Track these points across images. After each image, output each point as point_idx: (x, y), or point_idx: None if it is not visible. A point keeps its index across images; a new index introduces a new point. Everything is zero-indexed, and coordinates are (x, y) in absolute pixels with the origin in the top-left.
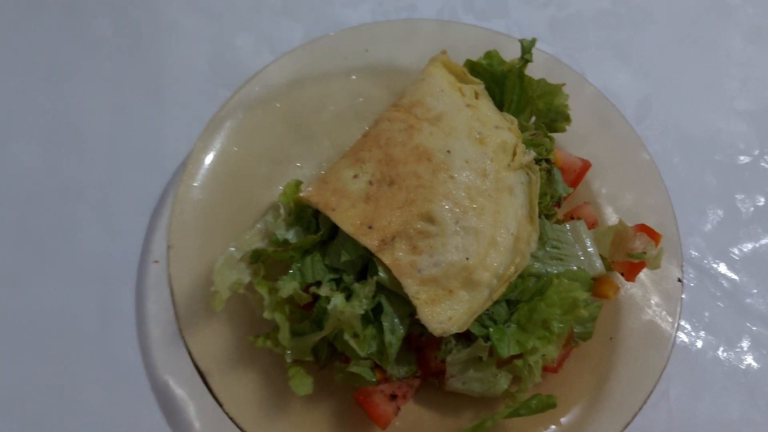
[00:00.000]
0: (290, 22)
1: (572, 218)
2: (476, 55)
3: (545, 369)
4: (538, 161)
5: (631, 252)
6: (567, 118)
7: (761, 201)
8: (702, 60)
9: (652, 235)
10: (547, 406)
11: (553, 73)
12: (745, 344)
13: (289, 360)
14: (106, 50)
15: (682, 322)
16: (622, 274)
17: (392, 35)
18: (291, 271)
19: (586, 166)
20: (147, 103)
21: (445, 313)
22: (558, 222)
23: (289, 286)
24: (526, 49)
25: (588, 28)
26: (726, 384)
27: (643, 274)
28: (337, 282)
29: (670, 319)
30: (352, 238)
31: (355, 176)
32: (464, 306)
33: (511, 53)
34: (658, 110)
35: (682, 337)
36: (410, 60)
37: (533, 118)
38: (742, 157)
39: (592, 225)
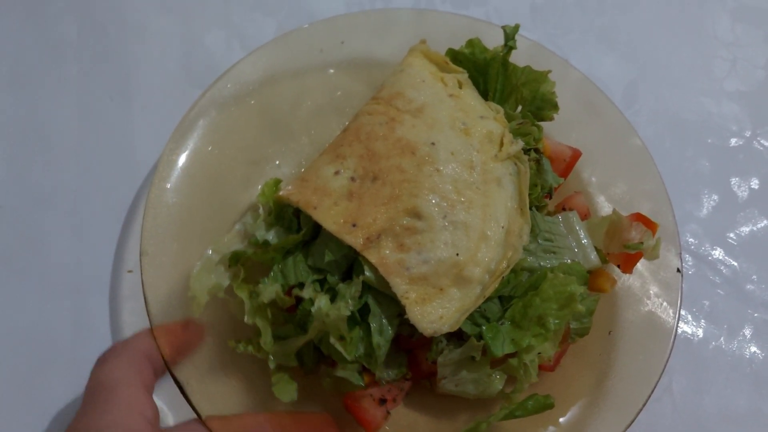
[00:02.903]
0: (262, 17)
1: (564, 209)
2: (457, 44)
3: (541, 368)
4: (526, 151)
5: (627, 243)
6: (555, 106)
7: (756, 183)
8: (689, 42)
9: (649, 224)
10: (544, 406)
11: (537, 59)
12: (748, 332)
13: (272, 365)
14: (72, 53)
15: (682, 312)
16: (619, 266)
17: (369, 26)
18: (272, 274)
19: (576, 154)
20: (116, 106)
21: (435, 312)
22: (549, 214)
23: (270, 290)
24: (510, 35)
25: (570, 12)
26: (731, 375)
27: (641, 264)
28: (321, 283)
29: (670, 311)
30: (336, 237)
31: (337, 173)
32: (456, 304)
33: (492, 41)
34: (646, 95)
35: (683, 327)
36: (389, 51)
37: (519, 107)
38: (734, 140)
39: (584, 216)
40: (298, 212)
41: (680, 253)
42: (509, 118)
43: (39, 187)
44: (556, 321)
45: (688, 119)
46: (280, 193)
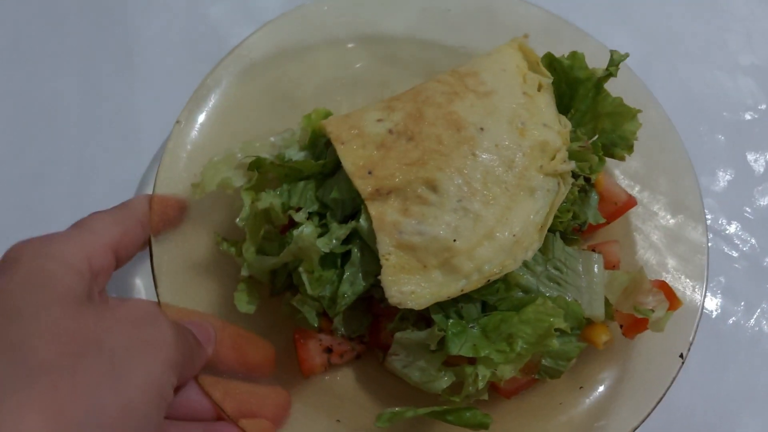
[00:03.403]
0: None
1: (593, 251)
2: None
3: (498, 391)
4: (576, 176)
5: (638, 306)
6: (630, 147)
7: None
8: (702, 16)
9: (671, 296)
10: (479, 424)
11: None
12: (766, 307)
13: (244, 273)
14: (72, 27)
15: (699, 288)
16: (621, 327)
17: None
18: (279, 190)
19: (631, 202)
20: (119, 81)
21: (408, 286)
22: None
23: (267, 199)
24: (615, 61)
25: None
26: (751, 352)
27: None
28: (321, 217)
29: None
30: (349, 179)
31: (380, 120)
32: (433, 287)
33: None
34: (660, 70)
35: None
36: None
37: (596, 136)
38: (750, 114)
39: (612, 266)
40: (329, 145)
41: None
42: (575, 139)
43: (40, 162)
44: (525, 346)
45: (702, 94)
46: (322, 121)
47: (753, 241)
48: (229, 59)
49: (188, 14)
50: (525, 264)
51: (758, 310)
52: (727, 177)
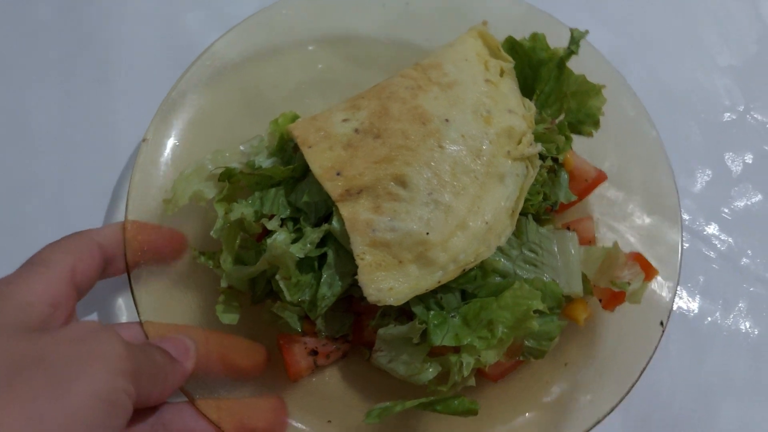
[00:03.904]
0: None
1: (568, 229)
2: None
3: (485, 376)
4: (543, 158)
5: (614, 279)
6: (596, 123)
7: (750, 158)
8: (681, 17)
9: (646, 267)
10: (467, 411)
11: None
12: (743, 306)
13: (223, 284)
14: (49, 38)
15: (677, 288)
16: (600, 301)
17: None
18: (251, 199)
19: (600, 177)
20: (97, 90)
21: (386, 282)
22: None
23: (239, 209)
24: (576, 39)
25: None
26: (727, 350)
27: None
28: (295, 222)
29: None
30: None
31: (345, 120)
32: (410, 282)
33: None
34: (637, 69)
35: (678, 303)
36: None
37: (562, 115)
38: (727, 114)
39: (587, 242)
40: (297, 149)
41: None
42: (540, 121)
43: (20, 174)
44: (505, 331)
45: (680, 94)
46: (288, 125)
47: (731, 240)
48: (193, 70)
49: (165, 23)
50: (500, 249)
51: (735, 310)
52: (705, 178)
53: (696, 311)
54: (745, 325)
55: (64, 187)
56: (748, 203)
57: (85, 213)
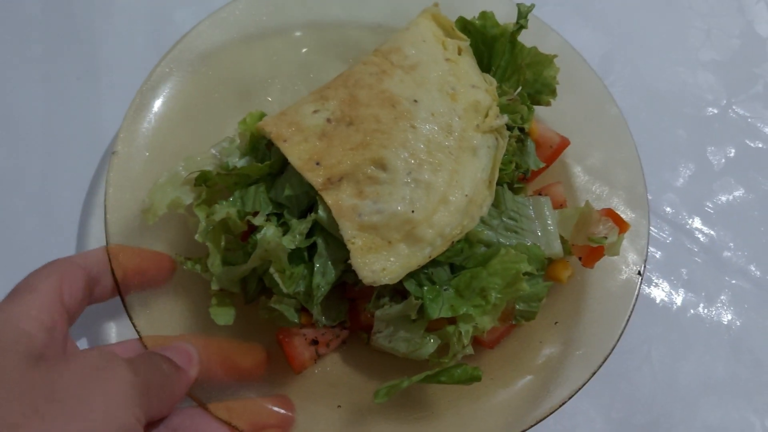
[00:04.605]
0: None
1: (540, 195)
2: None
3: (481, 343)
4: (510, 128)
5: (591, 236)
6: (553, 92)
7: (732, 152)
8: (664, 12)
9: (619, 222)
10: (471, 377)
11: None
12: (725, 299)
13: (214, 287)
14: (36, 32)
15: (660, 281)
16: (580, 259)
17: None
18: (232, 198)
19: (564, 143)
20: (83, 86)
21: (378, 263)
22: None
23: (223, 210)
24: (523, 14)
25: None
26: (709, 342)
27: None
28: (279, 217)
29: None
30: (300, 174)
31: (315, 111)
32: (402, 260)
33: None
34: (622, 66)
35: (661, 296)
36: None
37: (519, 88)
38: (710, 109)
39: (559, 205)
40: (270, 145)
41: (648, 220)
42: (502, 93)
43: (4, 169)
44: (498, 296)
45: (663, 89)
46: (258, 123)
47: (713, 233)
48: (152, 79)
49: (152, 18)
50: (482, 220)
51: (718, 302)
52: (688, 172)
53: (679, 304)
54: (727, 317)
55: (50, 183)
56: (731, 197)
57: (69, 209)
